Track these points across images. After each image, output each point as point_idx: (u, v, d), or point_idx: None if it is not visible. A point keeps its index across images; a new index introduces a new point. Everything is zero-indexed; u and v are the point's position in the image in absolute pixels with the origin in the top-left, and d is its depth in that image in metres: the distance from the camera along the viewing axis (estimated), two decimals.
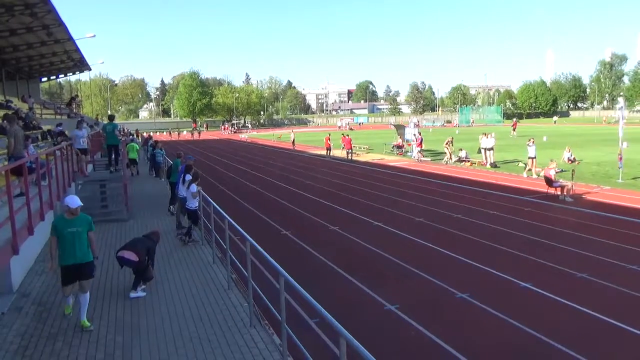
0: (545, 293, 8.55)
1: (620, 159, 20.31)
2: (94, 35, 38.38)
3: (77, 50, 29.13)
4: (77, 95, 48.75)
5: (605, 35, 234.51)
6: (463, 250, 11.16)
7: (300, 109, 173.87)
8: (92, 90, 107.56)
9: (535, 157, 22.64)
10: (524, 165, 24.54)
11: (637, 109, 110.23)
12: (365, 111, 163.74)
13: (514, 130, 56.20)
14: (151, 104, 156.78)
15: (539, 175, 21.31)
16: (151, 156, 24.17)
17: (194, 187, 10.83)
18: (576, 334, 7.08)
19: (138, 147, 27.86)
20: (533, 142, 22.67)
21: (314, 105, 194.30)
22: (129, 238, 9.65)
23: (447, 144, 29.67)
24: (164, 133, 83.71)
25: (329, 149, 35.38)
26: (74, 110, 38.43)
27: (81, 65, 36.62)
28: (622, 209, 15.16)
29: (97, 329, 6.81)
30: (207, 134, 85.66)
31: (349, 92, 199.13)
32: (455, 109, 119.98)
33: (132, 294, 7.98)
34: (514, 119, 70.59)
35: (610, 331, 7.16)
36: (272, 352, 5.99)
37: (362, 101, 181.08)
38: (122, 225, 13.19)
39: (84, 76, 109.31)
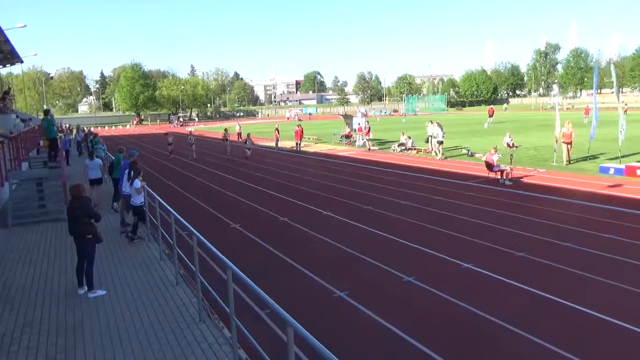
0: (486, 272, 8.95)
1: (557, 141, 21.57)
2: (25, 25, 36.16)
3: (7, 41, 27.32)
4: (10, 89, 45.84)
5: (540, 25, 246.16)
6: (409, 235, 11.48)
7: (248, 100, 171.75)
8: (25, 84, 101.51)
9: (442, 142, 25.03)
10: (467, 150, 25.45)
11: (570, 95, 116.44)
12: (314, 102, 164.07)
13: (490, 117, 48.80)
14: (91, 97, 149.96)
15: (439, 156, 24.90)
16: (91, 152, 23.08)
17: (138, 183, 10.52)
18: (517, 310, 7.45)
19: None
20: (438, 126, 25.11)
21: (262, 97, 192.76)
22: (69, 238, 9.22)
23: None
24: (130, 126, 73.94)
25: (277, 139, 35.42)
26: (8, 105, 36.15)
27: (12, 57, 34.35)
28: (556, 190, 16.05)
29: (37, 333, 6.53)
30: (150, 128, 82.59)
31: (297, 83, 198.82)
32: (401, 98, 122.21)
33: (91, 295, 7.72)
34: (491, 106, 60.40)
35: (549, 306, 7.59)
36: (222, 346, 5.96)
37: (311, 92, 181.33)
38: (61, 225, 12.58)
39: (16, 69, 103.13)
